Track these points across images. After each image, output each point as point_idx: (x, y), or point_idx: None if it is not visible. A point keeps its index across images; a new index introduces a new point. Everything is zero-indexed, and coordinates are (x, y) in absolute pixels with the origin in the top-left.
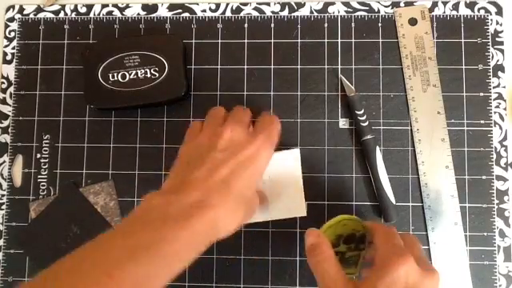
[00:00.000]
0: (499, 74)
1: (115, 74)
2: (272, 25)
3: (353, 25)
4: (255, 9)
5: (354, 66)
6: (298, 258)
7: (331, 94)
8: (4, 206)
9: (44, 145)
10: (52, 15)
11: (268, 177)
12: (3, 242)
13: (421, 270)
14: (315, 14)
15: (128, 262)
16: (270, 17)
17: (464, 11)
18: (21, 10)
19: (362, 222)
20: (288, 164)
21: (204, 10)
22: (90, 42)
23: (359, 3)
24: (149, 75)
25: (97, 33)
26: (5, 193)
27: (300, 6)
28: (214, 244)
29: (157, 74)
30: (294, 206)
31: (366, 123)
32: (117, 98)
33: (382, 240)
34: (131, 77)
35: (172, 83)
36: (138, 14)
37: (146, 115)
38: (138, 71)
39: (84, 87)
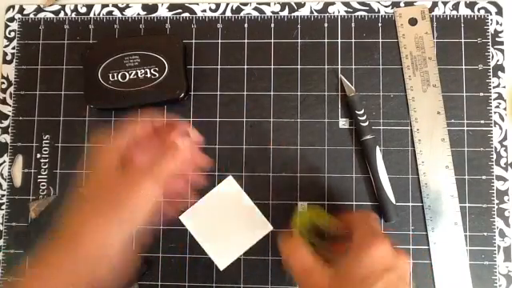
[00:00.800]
0: (499, 73)
1: (115, 74)
2: (272, 25)
3: (353, 25)
4: (255, 9)
5: (353, 66)
6: None
7: (331, 93)
8: (4, 206)
9: (44, 145)
10: (52, 15)
11: (221, 214)
12: (3, 242)
13: (395, 251)
14: (315, 13)
15: None
16: (270, 17)
17: (464, 11)
18: (21, 9)
19: (330, 218)
20: (229, 193)
21: (204, 10)
22: (90, 41)
23: (359, 3)
24: (149, 75)
25: (97, 33)
26: (5, 193)
27: (300, 5)
28: None
29: (157, 74)
30: (257, 226)
31: (366, 123)
32: (117, 98)
33: (357, 223)
34: (131, 77)
35: (172, 83)
36: (138, 14)
37: (146, 115)
38: (138, 71)
39: (84, 87)
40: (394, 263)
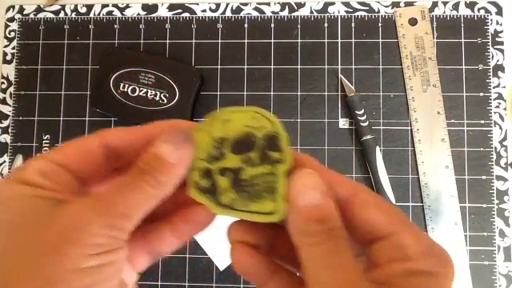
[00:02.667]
0: (499, 73)
1: (126, 86)
2: (272, 25)
3: (353, 25)
4: (255, 9)
5: (353, 66)
6: None
7: (331, 93)
8: None
9: (44, 145)
10: (52, 15)
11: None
12: None
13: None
14: (315, 13)
15: None
16: (270, 17)
17: (464, 11)
18: (21, 9)
19: (270, 117)
20: None
21: (204, 10)
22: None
23: (359, 3)
24: (157, 98)
25: (97, 33)
26: None
27: (300, 5)
28: None
29: (165, 100)
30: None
31: (366, 123)
32: (120, 109)
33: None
34: (140, 94)
35: (177, 114)
36: (138, 14)
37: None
38: (149, 91)
39: (92, 87)
40: None
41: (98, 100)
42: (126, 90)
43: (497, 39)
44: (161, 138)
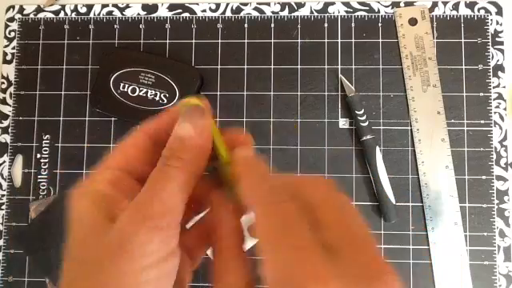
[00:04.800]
0: (499, 73)
1: (126, 86)
2: (272, 25)
3: (353, 25)
4: (255, 9)
5: (353, 66)
6: None
7: (331, 93)
8: (4, 206)
9: (44, 145)
10: (52, 15)
11: None
12: (3, 242)
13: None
14: (315, 13)
15: None
16: (270, 17)
17: (464, 11)
18: (21, 9)
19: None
20: None
21: (204, 10)
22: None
23: (359, 3)
24: (157, 98)
25: (97, 33)
26: (5, 193)
27: (300, 5)
28: None
29: (165, 100)
30: None
31: (366, 123)
32: (119, 109)
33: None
34: (141, 94)
35: None
36: (138, 14)
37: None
38: (149, 91)
39: (92, 87)
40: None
41: (98, 100)
42: (126, 90)
43: (497, 39)
44: (177, 121)
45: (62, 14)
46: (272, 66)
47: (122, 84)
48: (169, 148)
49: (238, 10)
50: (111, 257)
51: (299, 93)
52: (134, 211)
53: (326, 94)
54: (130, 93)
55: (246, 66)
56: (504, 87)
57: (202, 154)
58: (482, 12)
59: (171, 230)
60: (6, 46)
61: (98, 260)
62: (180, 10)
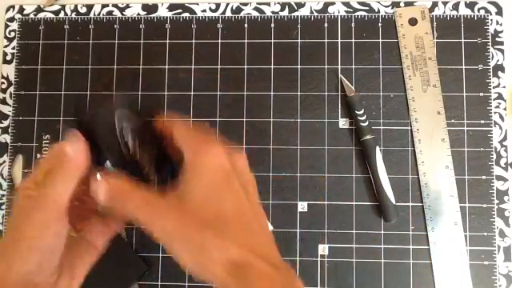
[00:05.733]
0: (499, 73)
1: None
2: (272, 25)
3: (353, 25)
4: (255, 9)
5: (353, 66)
6: (297, 258)
7: (331, 93)
8: (4, 206)
9: (44, 145)
10: (52, 15)
11: None
12: None
13: (228, 150)
14: (315, 13)
15: None
16: (270, 17)
17: (464, 11)
18: (21, 10)
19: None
20: None
21: (204, 10)
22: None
23: (359, 3)
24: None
25: (97, 33)
26: (5, 193)
27: (300, 5)
28: None
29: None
30: None
31: (366, 123)
32: None
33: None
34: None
35: None
36: (138, 14)
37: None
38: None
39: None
40: (233, 167)
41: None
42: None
43: (497, 39)
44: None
45: (62, 14)
46: (272, 66)
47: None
48: (55, 159)
49: (238, 9)
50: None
51: (299, 93)
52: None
53: (326, 94)
54: None
55: (245, 66)
56: (504, 87)
57: (77, 169)
58: (482, 12)
59: (52, 212)
60: (6, 46)
61: (14, 226)
62: (180, 10)
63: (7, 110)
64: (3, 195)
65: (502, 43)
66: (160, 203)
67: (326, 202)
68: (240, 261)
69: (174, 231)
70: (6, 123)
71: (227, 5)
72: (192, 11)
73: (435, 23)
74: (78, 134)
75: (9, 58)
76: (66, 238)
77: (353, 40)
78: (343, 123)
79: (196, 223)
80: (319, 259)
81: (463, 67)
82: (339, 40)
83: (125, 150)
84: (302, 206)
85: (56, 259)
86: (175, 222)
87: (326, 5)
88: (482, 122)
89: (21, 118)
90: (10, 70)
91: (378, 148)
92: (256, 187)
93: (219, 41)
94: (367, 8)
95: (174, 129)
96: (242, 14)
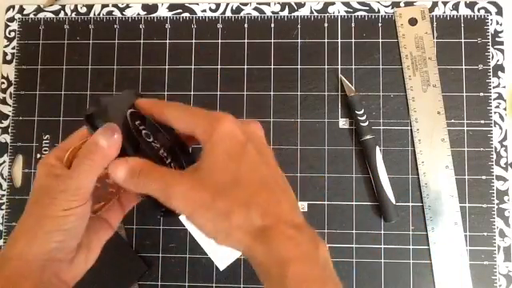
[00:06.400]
0: (499, 73)
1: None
2: (272, 25)
3: (353, 25)
4: (255, 9)
5: (353, 66)
6: None
7: (331, 93)
8: (4, 206)
9: (44, 145)
10: (52, 15)
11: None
12: (3, 242)
13: (243, 122)
14: (315, 13)
15: None
16: (270, 17)
17: (464, 11)
18: (21, 9)
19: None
20: None
21: (204, 10)
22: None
23: (359, 3)
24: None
25: (97, 33)
26: (5, 193)
27: (300, 5)
28: None
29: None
30: None
31: (366, 123)
32: None
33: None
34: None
35: None
36: (138, 14)
37: None
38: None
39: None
40: (247, 136)
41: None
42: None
43: (497, 39)
44: (97, 132)
45: (61, 14)
46: (272, 66)
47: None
48: (86, 148)
49: (238, 9)
50: (43, 201)
51: (299, 93)
52: (58, 180)
53: (326, 93)
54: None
55: (246, 66)
56: (504, 87)
57: (106, 161)
58: (482, 12)
59: (81, 195)
60: (6, 46)
61: (38, 203)
62: (180, 10)
63: (7, 109)
64: (3, 195)
65: (502, 43)
66: (179, 174)
67: (325, 202)
68: (263, 225)
69: (194, 201)
70: (5, 123)
71: (227, 5)
72: (192, 11)
73: (435, 23)
74: (115, 127)
75: (9, 57)
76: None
77: (353, 40)
78: (343, 123)
79: (216, 191)
80: None
81: (463, 67)
82: (339, 40)
83: (140, 140)
84: (302, 206)
85: (77, 239)
86: (195, 192)
87: (326, 5)
88: (482, 122)
89: (21, 118)
90: (9, 70)
91: (377, 148)
92: (272, 152)
93: (219, 41)
94: (367, 8)
95: (174, 111)
96: (242, 14)
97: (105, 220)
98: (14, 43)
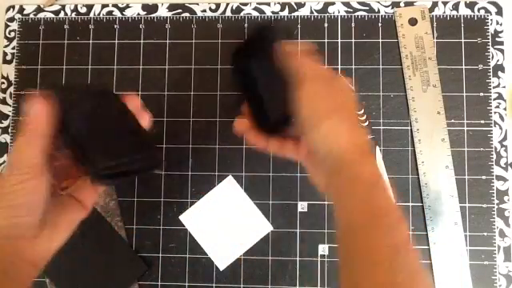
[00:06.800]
0: (499, 73)
1: None
2: (272, 25)
3: (353, 25)
4: (255, 9)
5: (354, 66)
6: (298, 258)
7: None
8: None
9: None
10: (52, 15)
11: (221, 214)
12: None
13: (331, 78)
14: (315, 13)
15: None
16: (270, 17)
17: (464, 11)
18: (21, 10)
19: None
20: (229, 193)
21: (204, 10)
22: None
23: (359, 3)
24: None
25: (97, 33)
26: None
27: (300, 5)
28: None
29: None
30: (257, 226)
31: (366, 123)
32: None
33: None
34: None
35: None
36: (138, 14)
37: None
38: None
39: None
40: (336, 81)
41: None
42: None
43: (497, 39)
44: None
45: (62, 14)
46: None
47: None
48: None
49: (238, 9)
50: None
51: None
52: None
53: None
54: None
55: None
56: (504, 87)
57: (39, 131)
58: (482, 12)
59: (23, 170)
60: (6, 46)
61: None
62: (180, 10)
63: (7, 110)
64: None
65: (502, 43)
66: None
67: (326, 202)
68: (360, 142)
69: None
70: (5, 123)
71: (227, 5)
72: (192, 11)
73: (435, 23)
74: (40, 98)
75: (9, 57)
76: (47, 195)
77: (353, 40)
78: None
79: (319, 114)
80: (319, 259)
81: (463, 67)
82: (339, 40)
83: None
84: (302, 206)
85: (35, 215)
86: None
87: (326, 5)
88: (482, 121)
89: (21, 118)
90: (9, 70)
91: (377, 148)
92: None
93: (219, 41)
94: (367, 8)
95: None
96: (242, 13)
97: (76, 199)
98: (14, 43)
